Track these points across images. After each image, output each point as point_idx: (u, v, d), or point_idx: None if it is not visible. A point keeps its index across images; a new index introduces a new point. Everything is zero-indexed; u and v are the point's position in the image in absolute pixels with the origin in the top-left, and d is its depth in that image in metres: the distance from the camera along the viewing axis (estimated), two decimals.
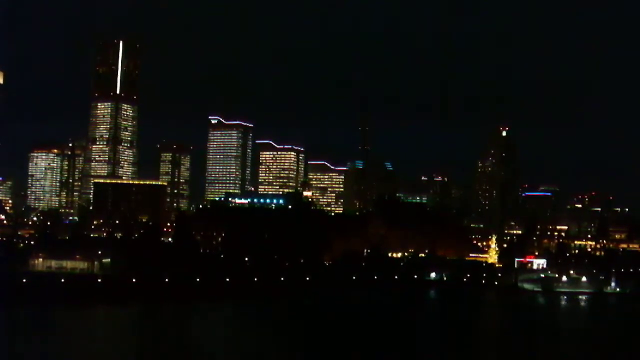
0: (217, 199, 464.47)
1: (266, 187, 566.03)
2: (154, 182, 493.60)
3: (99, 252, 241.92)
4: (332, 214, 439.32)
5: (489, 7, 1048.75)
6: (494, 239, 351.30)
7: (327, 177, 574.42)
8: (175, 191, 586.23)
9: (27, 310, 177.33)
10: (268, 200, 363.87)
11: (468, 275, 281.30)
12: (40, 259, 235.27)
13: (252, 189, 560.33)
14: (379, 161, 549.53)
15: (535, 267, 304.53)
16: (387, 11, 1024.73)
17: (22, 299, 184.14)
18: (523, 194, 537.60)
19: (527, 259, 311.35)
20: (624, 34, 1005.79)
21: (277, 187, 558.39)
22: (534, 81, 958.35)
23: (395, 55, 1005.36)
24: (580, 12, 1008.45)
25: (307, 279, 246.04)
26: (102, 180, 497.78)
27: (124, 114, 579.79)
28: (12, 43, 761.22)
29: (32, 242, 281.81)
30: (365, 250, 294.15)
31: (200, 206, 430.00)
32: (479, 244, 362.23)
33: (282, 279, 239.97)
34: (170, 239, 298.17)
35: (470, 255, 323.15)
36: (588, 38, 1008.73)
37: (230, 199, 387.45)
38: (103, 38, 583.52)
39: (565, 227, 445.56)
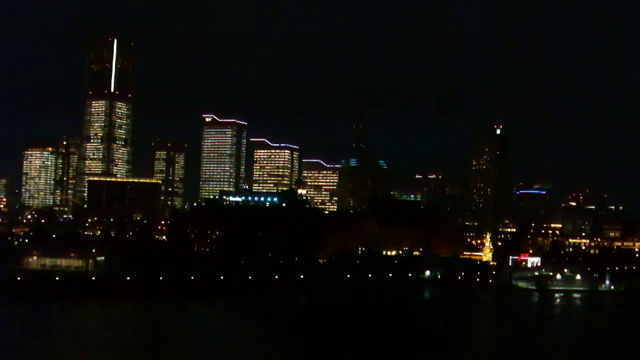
0: (211, 197, 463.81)
1: (260, 185, 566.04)
2: (148, 180, 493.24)
3: (94, 250, 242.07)
4: (327, 211, 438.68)
5: (486, 5, 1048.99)
6: (488, 237, 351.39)
7: (321, 175, 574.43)
8: (170, 189, 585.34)
9: (22, 308, 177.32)
10: (262, 198, 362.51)
11: (462, 274, 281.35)
12: (35, 257, 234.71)
13: (247, 187, 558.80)
14: (373, 159, 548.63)
15: (529, 265, 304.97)
16: (384, 9, 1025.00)
17: (17, 296, 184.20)
18: (517, 192, 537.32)
19: (522, 257, 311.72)
20: (624, 33, 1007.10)
21: (272, 185, 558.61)
22: (528, 80, 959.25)
23: (390, 53, 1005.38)
24: (580, 11, 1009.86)
25: (301, 276, 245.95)
26: (96, 179, 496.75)
27: (118, 112, 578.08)
28: (5, 40, 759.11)
29: (27, 240, 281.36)
30: (360, 248, 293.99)
31: (195, 204, 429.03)
32: (474, 242, 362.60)
33: (276, 276, 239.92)
34: (164, 237, 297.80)
35: (465, 253, 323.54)
36: (586, 37, 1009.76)
37: (224, 197, 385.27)
38: (97, 36, 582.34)
39: (560, 225, 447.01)
